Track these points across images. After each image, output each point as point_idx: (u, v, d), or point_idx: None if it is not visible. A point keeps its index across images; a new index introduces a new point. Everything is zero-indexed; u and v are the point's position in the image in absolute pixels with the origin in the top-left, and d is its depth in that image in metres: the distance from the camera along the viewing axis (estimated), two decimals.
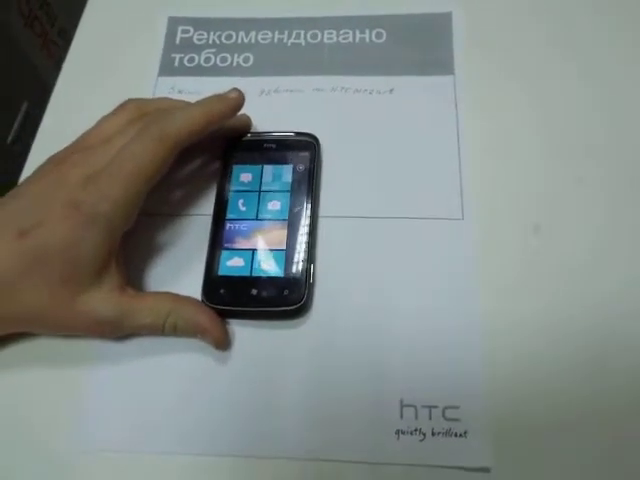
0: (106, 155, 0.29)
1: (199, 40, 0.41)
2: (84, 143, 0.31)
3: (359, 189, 0.34)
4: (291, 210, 0.32)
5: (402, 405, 0.28)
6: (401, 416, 0.28)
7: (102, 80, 0.40)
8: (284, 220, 0.32)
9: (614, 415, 0.28)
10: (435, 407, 0.28)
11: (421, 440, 0.28)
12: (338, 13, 0.41)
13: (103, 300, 0.28)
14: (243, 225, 0.32)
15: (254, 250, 0.32)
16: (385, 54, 0.39)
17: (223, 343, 0.30)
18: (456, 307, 0.31)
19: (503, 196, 0.34)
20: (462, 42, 0.39)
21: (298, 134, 0.35)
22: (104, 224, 0.28)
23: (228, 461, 0.28)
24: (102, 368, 0.30)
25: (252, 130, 0.36)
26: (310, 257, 0.31)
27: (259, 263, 0.31)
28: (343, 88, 0.38)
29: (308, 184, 0.33)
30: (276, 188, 0.33)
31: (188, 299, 0.30)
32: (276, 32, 0.41)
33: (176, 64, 0.40)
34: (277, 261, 0.31)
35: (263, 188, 0.33)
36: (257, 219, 0.32)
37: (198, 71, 0.40)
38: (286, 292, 0.30)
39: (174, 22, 0.42)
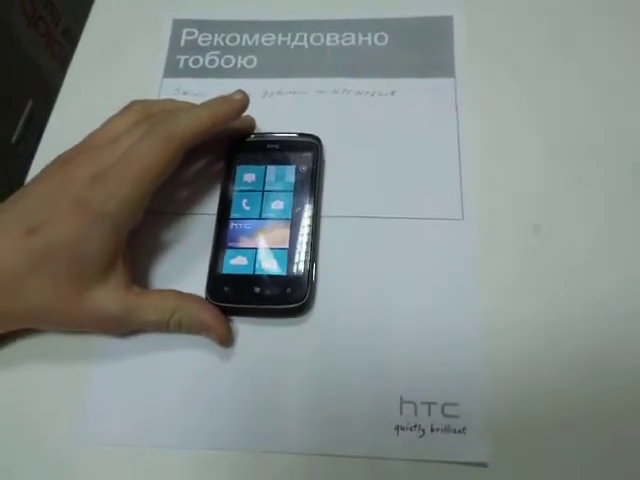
0: (113, 155, 0.29)
1: (204, 42, 0.42)
2: (91, 143, 0.31)
3: (361, 189, 0.35)
4: (294, 210, 0.33)
5: (402, 402, 0.29)
6: (401, 412, 0.29)
7: (108, 81, 0.40)
8: (287, 220, 0.33)
9: (612, 412, 0.29)
10: (434, 404, 0.29)
11: (420, 436, 0.28)
12: (341, 16, 0.42)
13: (109, 297, 0.29)
14: (247, 224, 0.33)
15: (257, 249, 0.32)
16: (387, 57, 0.40)
17: (226, 340, 0.30)
18: (456, 306, 0.31)
19: (503, 196, 0.34)
20: (463, 45, 0.40)
21: (301, 135, 0.35)
22: (111, 222, 0.28)
23: (229, 455, 0.29)
24: (106, 364, 0.31)
25: (256, 131, 0.36)
26: (312, 256, 0.32)
27: (262, 262, 0.32)
28: (345, 90, 0.39)
29: (311, 184, 0.34)
30: (279, 188, 0.34)
31: (192, 297, 0.31)
32: (279, 35, 0.41)
33: (181, 66, 0.41)
34: (280, 260, 0.32)
35: (266, 188, 0.34)
36: (260, 218, 0.33)
37: (203, 73, 0.40)
38: (289, 290, 0.31)
39: (179, 24, 0.42)
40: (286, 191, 0.34)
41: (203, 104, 0.32)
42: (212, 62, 0.41)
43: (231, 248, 0.32)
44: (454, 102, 0.38)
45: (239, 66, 0.41)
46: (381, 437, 0.28)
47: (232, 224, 0.33)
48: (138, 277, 0.32)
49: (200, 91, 0.39)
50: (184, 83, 0.40)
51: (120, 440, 0.29)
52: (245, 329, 0.31)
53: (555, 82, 0.38)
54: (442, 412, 0.29)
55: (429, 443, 0.28)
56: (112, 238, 0.28)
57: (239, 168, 0.35)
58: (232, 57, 0.41)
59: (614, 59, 0.39)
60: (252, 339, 0.31)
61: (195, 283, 0.31)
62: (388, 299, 0.32)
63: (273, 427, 0.29)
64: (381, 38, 0.41)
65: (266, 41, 0.41)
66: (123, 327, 0.30)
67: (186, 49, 0.41)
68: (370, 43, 0.41)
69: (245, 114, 0.34)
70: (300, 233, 0.32)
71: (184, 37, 0.42)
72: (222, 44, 0.41)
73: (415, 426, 0.28)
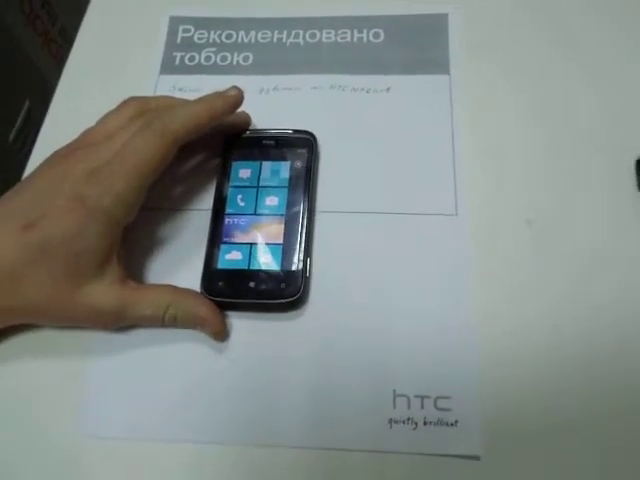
0: (109, 151, 0.29)
1: (200, 39, 0.42)
2: (87, 139, 0.31)
3: (355, 185, 0.35)
4: (288, 205, 0.33)
5: (395, 395, 0.29)
6: (394, 406, 0.29)
7: (104, 78, 0.40)
8: (282, 215, 0.33)
9: (602, 408, 0.29)
10: (427, 397, 0.29)
11: (413, 429, 0.28)
12: (336, 13, 0.42)
13: (105, 292, 0.29)
14: (242, 220, 0.33)
15: (252, 244, 0.32)
16: (382, 53, 0.40)
17: (222, 334, 0.31)
18: (449, 300, 0.31)
19: (497, 192, 0.35)
20: (457, 42, 0.40)
21: (296, 131, 0.36)
22: (106, 217, 0.28)
23: (226, 449, 0.29)
24: (103, 359, 0.31)
25: (251, 127, 0.37)
26: (307, 251, 0.32)
27: (257, 257, 0.32)
28: (341, 86, 0.39)
29: (305, 180, 0.34)
30: (274, 184, 0.34)
31: (188, 291, 0.31)
32: (275, 32, 0.42)
33: (177, 63, 0.41)
34: (274, 255, 0.32)
35: (261, 184, 0.34)
36: (255, 214, 0.33)
37: (199, 69, 0.41)
38: (283, 285, 0.31)
39: (175, 21, 0.43)
40: (281, 187, 0.34)
41: (198, 100, 0.32)
42: (208, 59, 0.41)
43: (226, 243, 0.32)
44: (449, 99, 0.38)
45: (235, 63, 0.41)
46: (374, 430, 0.29)
47: (227, 219, 0.33)
48: (134, 272, 0.32)
49: (196, 88, 0.39)
50: (180, 80, 0.40)
51: (118, 434, 0.29)
52: (240, 324, 0.31)
53: (549, 79, 0.38)
54: (435, 405, 0.29)
55: (422, 436, 0.28)
56: (107, 234, 0.29)
57: (234, 164, 0.35)
58: (228, 54, 0.41)
59: (605, 55, 0.39)
60: (247, 334, 0.31)
61: (190, 278, 0.32)
62: (382, 294, 0.32)
63: (267, 421, 0.29)
64: (377, 35, 0.41)
65: (262, 38, 0.41)
66: (119, 322, 0.30)
67: (182, 46, 0.42)
68: (365, 40, 0.41)
69: (241, 110, 0.34)
70: (295, 228, 0.32)
71: (180, 34, 0.42)
72: (218, 41, 0.42)
73: (408, 419, 0.29)
